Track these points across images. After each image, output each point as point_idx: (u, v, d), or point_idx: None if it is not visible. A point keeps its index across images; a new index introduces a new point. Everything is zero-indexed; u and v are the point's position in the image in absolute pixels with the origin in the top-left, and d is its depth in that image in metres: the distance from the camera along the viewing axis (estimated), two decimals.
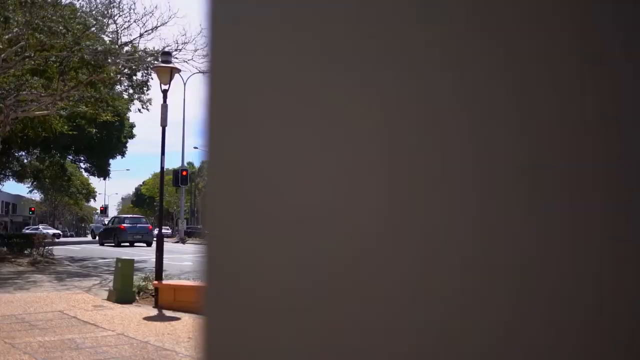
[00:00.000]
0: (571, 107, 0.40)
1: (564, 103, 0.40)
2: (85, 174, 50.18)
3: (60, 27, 14.73)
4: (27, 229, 54.10)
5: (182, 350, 6.15)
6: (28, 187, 61.62)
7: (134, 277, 10.07)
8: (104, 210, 67.98)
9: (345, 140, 0.49)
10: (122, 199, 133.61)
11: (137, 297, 9.76)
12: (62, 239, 36.74)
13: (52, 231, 53.02)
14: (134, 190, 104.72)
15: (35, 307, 8.89)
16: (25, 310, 8.59)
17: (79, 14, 16.37)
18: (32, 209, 66.08)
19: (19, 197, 71.05)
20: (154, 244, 30.88)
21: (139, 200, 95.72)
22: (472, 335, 0.41)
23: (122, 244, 30.09)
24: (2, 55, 15.34)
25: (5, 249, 17.92)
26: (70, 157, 38.09)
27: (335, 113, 0.49)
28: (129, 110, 20.94)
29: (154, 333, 7.05)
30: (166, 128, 10.26)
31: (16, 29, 14.53)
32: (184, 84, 38.75)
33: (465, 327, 0.42)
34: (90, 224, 78.48)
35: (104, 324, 7.58)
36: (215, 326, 0.55)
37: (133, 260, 10.09)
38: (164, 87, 10.04)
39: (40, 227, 55.80)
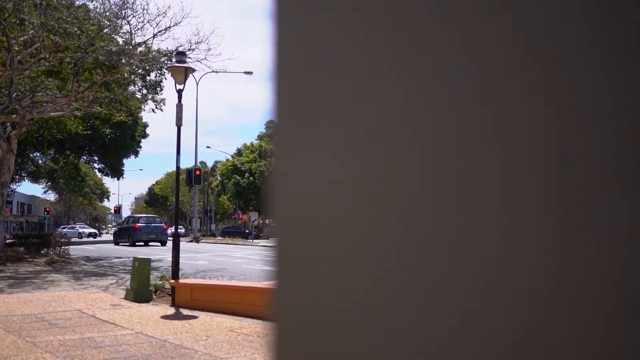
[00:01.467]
0: (598, 111, 0.41)
1: (587, 105, 0.41)
2: (99, 175, 50.61)
3: (75, 29, 14.84)
4: (64, 227, 54.89)
5: (201, 348, 6.18)
6: (43, 188, 62.27)
7: (150, 276, 10.13)
8: (118, 210, 68.39)
9: (408, 144, 0.49)
10: (135, 198, 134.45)
11: (154, 296, 9.82)
12: (75, 239, 37.19)
13: (88, 230, 53.52)
14: (147, 190, 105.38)
15: (54, 306, 8.97)
16: (44, 309, 8.67)
17: (92, 15, 16.49)
18: (47, 209, 66.64)
19: (34, 198, 71.68)
20: (168, 244, 31.13)
21: (152, 199, 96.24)
22: (500, 337, 0.43)
23: (136, 244, 30.27)
24: (18, 57, 15.49)
25: (22, 248, 18.09)
26: (84, 157, 38.42)
27: (402, 113, 0.50)
28: (142, 110, 21.08)
29: (172, 331, 7.09)
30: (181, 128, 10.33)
31: (32, 30, 14.66)
32: (197, 84, 38.93)
33: (496, 329, 0.43)
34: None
35: (122, 323, 7.64)
36: (285, 330, 0.56)
37: (150, 259, 10.16)
38: (179, 86, 10.09)
39: (77, 226, 56.31)
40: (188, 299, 9.05)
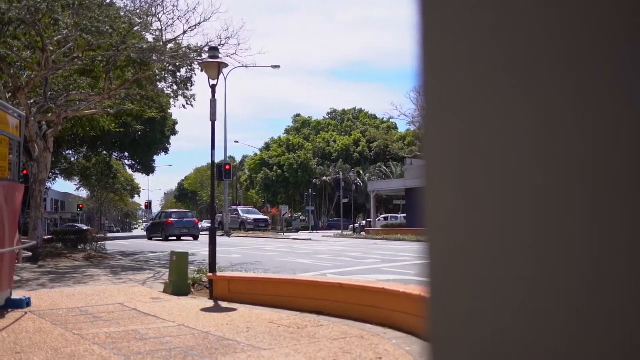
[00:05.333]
0: None
1: None
2: (129, 171, 51.22)
3: (107, 27, 15.05)
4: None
5: (243, 340, 6.25)
6: (75, 185, 63.38)
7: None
8: (149, 205, 69.31)
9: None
10: (165, 194, 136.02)
11: (192, 289, 9.95)
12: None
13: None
14: (176, 185, 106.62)
15: (96, 300, 9.16)
16: (87, 303, 8.86)
17: (123, 13, 16.69)
18: (80, 205, 67.88)
19: (67, 195, 73.04)
20: (201, 238, 31.25)
21: (182, 195, 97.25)
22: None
23: (169, 238, 30.65)
24: (52, 57, 15.78)
25: (60, 244, 18.49)
26: (116, 154, 39.00)
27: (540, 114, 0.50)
28: (173, 106, 21.33)
29: (213, 324, 7.19)
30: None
31: (65, 30, 14.90)
32: (225, 79, 39.13)
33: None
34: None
35: (164, 316, 7.77)
36: (441, 335, 0.55)
37: (187, 253, 10.28)
38: (213, 82, 10.16)
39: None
40: (226, 292, 9.16)
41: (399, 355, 5.51)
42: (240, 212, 41.88)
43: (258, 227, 39.36)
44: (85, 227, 33.91)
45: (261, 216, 43.29)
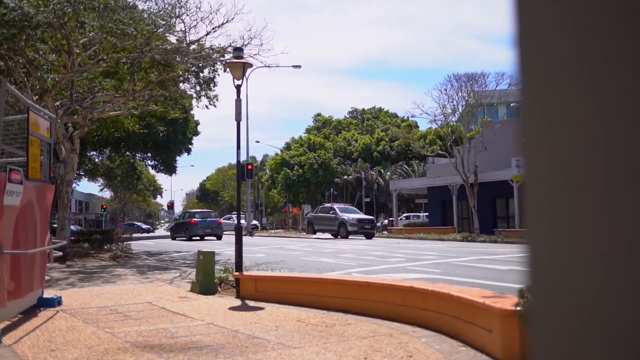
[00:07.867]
0: None
1: None
2: (151, 171, 51.69)
3: (131, 29, 15.20)
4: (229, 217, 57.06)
5: (273, 338, 6.28)
6: (99, 186, 64.21)
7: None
8: (171, 205, 69.88)
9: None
10: (187, 194, 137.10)
11: (219, 288, 10.02)
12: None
13: (253, 222, 52.64)
14: (198, 185, 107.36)
15: (125, 299, 9.27)
16: (116, 302, 8.97)
17: (146, 15, 16.85)
18: (104, 206, 68.70)
19: (90, 196, 74.00)
20: (224, 237, 31.30)
21: (204, 195, 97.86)
22: None
23: (192, 238, 30.88)
24: (78, 60, 15.98)
25: (86, 244, 18.74)
26: (139, 155, 39.42)
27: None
28: (196, 106, 21.53)
29: (242, 322, 7.23)
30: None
31: (92, 33, 15.09)
32: (246, 79, 39.35)
33: None
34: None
35: (193, 314, 7.83)
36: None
37: (214, 252, 10.35)
38: (237, 82, 10.22)
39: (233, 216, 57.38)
40: (253, 291, 9.21)
41: (429, 353, 5.50)
42: (337, 212, 33.32)
43: (363, 229, 31.60)
44: (144, 226, 34.83)
45: (364, 215, 34.69)
